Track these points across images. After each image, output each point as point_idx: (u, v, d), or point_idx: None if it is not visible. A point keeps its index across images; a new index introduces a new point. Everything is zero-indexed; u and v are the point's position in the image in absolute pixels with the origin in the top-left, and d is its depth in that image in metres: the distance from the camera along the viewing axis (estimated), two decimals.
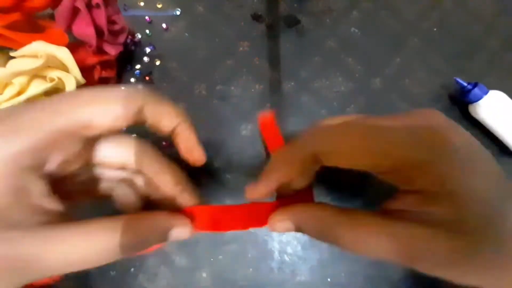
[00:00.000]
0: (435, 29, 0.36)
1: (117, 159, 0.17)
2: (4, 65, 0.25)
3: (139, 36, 0.35)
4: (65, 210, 0.14)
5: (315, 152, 0.16)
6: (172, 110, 0.17)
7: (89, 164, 0.17)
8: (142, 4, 0.36)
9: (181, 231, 0.16)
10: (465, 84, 0.32)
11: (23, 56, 0.25)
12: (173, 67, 0.34)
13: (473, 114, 0.33)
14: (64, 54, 0.25)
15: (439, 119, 0.16)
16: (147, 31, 0.35)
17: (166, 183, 0.17)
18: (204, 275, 0.30)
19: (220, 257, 0.30)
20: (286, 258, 0.30)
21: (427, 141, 0.14)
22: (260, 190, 0.17)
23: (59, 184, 0.15)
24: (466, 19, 0.37)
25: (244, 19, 0.36)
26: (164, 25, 0.35)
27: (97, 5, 0.27)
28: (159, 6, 0.36)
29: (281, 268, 0.30)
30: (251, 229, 0.30)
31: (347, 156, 0.15)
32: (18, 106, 0.15)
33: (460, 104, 0.34)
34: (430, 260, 0.13)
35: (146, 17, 0.35)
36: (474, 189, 0.14)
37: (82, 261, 0.13)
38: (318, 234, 0.16)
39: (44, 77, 0.26)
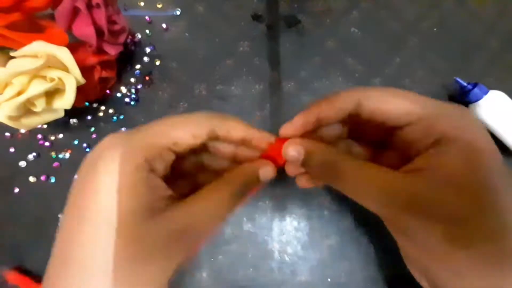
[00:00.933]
0: (435, 29, 0.36)
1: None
2: (4, 65, 0.25)
3: (139, 36, 0.35)
4: (176, 195, 0.19)
5: (361, 95, 0.19)
6: (235, 125, 0.20)
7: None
8: (142, 4, 0.36)
9: (266, 169, 0.20)
10: (465, 84, 0.32)
11: (23, 56, 0.25)
12: (173, 67, 0.34)
13: (473, 114, 0.33)
14: (64, 54, 0.25)
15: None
16: (147, 31, 0.35)
17: (239, 134, 0.21)
18: (204, 275, 0.30)
19: (220, 257, 0.30)
20: (286, 258, 0.30)
21: (456, 107, 0.18)
22: (296, 122, 0.20)
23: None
24: (466, 19, 0.37)
25: (244, 19, 0.36)
26: (164, 25, 0.35)
27: (97, 5, 0.27)
28: (159, 6, 0.36)
29: (281, 268, 0.30)
30: (251, 229, 0.31)
31: (386, 102, 0.18)
32: (138, 129, 0.20)
33: (460, 104, 0.34)
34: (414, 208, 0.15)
35: (146, 17, 0.35)
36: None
37: (213, 221, 0.18)
38: (321, 167, 0.19)
39: (44, 77, 0.26)
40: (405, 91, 0.18)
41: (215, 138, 0.20)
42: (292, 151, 0.20)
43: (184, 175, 0.23)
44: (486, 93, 0.31)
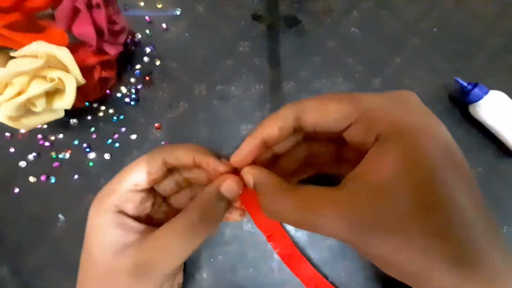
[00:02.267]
0: (435, 29, 0.36)
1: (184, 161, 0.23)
2: (4, 65, 0.25)
3: (139, 36, 0.35)
4: (148, 228, 0.22)
5: (298, 110, 0.19)
6: (183, 152, 0.22)
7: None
8: (142, 4, 0.36)
9: (227, 184, 0.21)
10: (465, 84, 0.32)
11: (23, 56, 0.25)
12: (173, 67, 0.34)
13: (473, 114, 0.33)
14: (64, 54, 0.25)
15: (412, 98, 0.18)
16: (147, 31, 0.35)
17: (188, 160, 0.22)
18: (204, 275, 0.30)
19: (220, 257, 0.30)
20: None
21: (395, 97, 0.17)
22: (243, 150, 0.20)
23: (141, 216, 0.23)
24: (466, 19, 0.37)
25: (244, 19, 0.36)
26: (164, 25, 0.35)
27: (97, 5, 0.27)
28: (159, 6, 0.36)
29: (281, 268, 0.30)
30: (251, 229, 0.31)
31: (322, 111, 0.18)
32: (112, 180, 0.23)
33: (460, 104, 0.34)
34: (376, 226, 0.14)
35: (146, 17, 0.35)
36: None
37: (175, 255, 0.20)
38: (269, 198, 0.18)
39: (44, 77, 0.26)
40: (341, 94, 0.18)
41: (170, 168, 0.23)
42: (246, 174, 0.21)
43: (174, 195, 0.26)
44: (486, 93, 0.31)
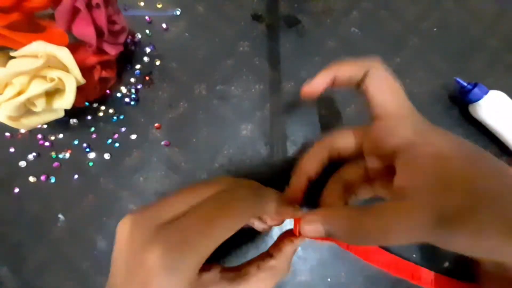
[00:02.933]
0: (435, 29, 0.36)
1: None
2: (4, 65, 0.25)
3: (139, 36, 0.35)
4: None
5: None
6: (271, 207, 0.21)
7: None
8: (142, 4, 0.36)
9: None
10: (465, 84, 0.32)
11: (23, 56, 0.25)
12: (173, 67, 0.34)
13: (473, 114, 0.33)
14: (64, 54, 0.25)
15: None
16: (147, 31, 0.35)
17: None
18: None
19: (220, 257, 0.30)
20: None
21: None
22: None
23: None
24: (466, 19, 0.37)
25: (244, 19, 0.36)
26: (164, 25, 0.35)
27: (97, 5, 0.27)
28: (159, 6, 0.36)
29: None
30: (252, 229, 0.31)
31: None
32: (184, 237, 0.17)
33: (460, 104, 0.34)
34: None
35: (146, 17, 0.35)
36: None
37: None
38: (348, 233, 0.17)
39: (44, 77, 0.26)
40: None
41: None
42: (310, 232, 0.19)
43: None
44: (486, 93, 0.31)
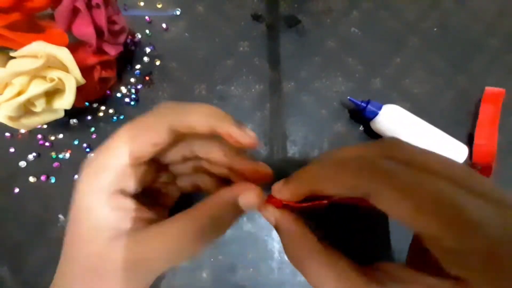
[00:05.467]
0: (435, 29, 0.36)
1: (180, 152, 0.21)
2: (4, 65, 0.25)
3: (139, 36, 0.35)
4: (155, 216, 0.19)
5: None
6: (197, 118, 0.18)
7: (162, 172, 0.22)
8: (142, 4, 0.36)
9: (248, 195, 0.18)
10: (358, 102, 0.32)
11: (23, 56, 0.25)
12: (173, 67, 0.34)
13: (374, 130, 0.32)
14: (64, 54, 0.25)
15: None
16: (147, 31, 0.35)
17: (217, 157, 0.20)
18: (204, 275, 0.30)
19: (220, 257, 0.30)
20: (286, 258, 0.30)
21: None
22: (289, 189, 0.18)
23: (146, 198, 0.20)
24: (466, 19, 0.37)
25: (244, 19, 0.36)
26: (164, 25, 0.35)
27: (97, 5, 0.27)
28: (159, 6, 0.36)
29: (281, 268, 0.30)
30: (252, 229, 0.31)
31: (332, 187, 0.16)
32: (101, 147, 0.18)
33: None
34: None
35: (146, 17, 0.35)
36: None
37: (172, 258, 0.17)
38: (290, 248, 0.17)
39: (44, 77, 0.26)
40: (341, 164, 0.16)
41: (181, 137, 0.19)
42: (266, 214, 0.18)
43: (182, 173, 0.22)
44: (380, 108, 0.31)
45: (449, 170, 0.14)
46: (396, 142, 0.16)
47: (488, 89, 0.33)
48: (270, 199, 0.18)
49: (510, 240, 0.12)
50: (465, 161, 0.31)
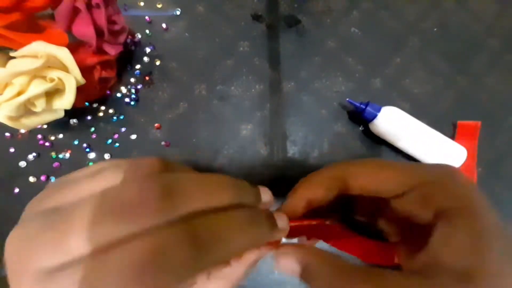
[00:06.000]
0: (435, 29, 0.36)
1: None
2: (4, 65, 0.25)
3: (139, 36, 0.35)
4: None
5: (345, 174, 0.17)
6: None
7: None
8: (142, 4, 0.36)
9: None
10: (357, 104, 0.32)
11: (23, 56, 0.25)
12: (173, 67, 0.34)
13: (373, 131, 0.32)
14: (64, 54, 0.25)
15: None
16: (147, 31, 0.35)
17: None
18: None
19: None
20: None
21: (449, 172, 0.16)
22: (290, 209, 0.18)
23: None
24: (466, 19, 0.37)
25: (244, 19, 0.36)
26: (164, 25, 0.35)
27: (97, 5, 0.27)
28: (159, 6, 0.36)
29: None
30: None
31: (374, 177, 0.17)
32: None
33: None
34: None
35: (146, 17, 0.35)
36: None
37: None
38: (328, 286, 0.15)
39: (44, 77, 0.26)
40: (390, 162, 0.18)
41: None
42: (284, 264, 0.16)
43: None
44: (379, 110, 0.31)
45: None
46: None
47: (461, 123, 0.33)
48: (267, 244, 0.17)
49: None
50: None
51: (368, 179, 0.17)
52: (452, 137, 0.33)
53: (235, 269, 0.17)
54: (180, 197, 0.12)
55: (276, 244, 0.17)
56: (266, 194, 0.16)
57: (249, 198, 0.15)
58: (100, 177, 0.12)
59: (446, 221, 0.15)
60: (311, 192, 0.18)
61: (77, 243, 0.10)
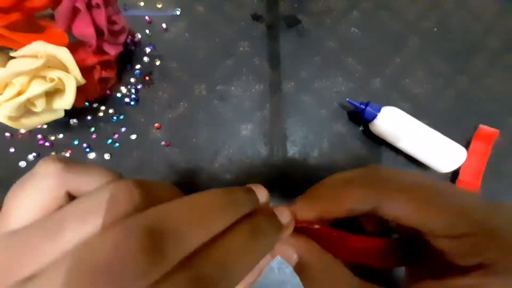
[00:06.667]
0: (435, 29, 0.36)
1: None
2: (4, 65, 0.25)
3: (139, 36, 0.35)
4: None
5: (379, 197, 0.14)
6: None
7: None
8: (142, 4, 0.36)
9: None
10: (357, 104, 0.32)
11: (23, 56, 0.25)
12: (173, 67, 0.34)
13: (374, 131, 0.32)
14: (64, 54, 0.25)
15: None
16: (147, 31, 0.35)
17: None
18: None
19: None
20: None
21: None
22: (301, 214, 0.16)
23: None
24: (466, 19, 0.37)
25: (244, 19, 0.36)
26: (164, 25, 0.35)
27: (97, 5, 0.27)
28: (159, 6, 0.36)
29: (281, 268, 0.30)
30: None
31: (419, 213, 0.14)
32: None
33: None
34: None
35: (146, 17, 0.35)
36: None
37: None
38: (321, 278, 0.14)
39: (44, 77, 0.26)
40: (438, 191, 0.14)
41: None
42: (281, 251, 0.16)
43: None
44: (379, 110, 0.31)
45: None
46: (377, 167, 0.16)
47: (482, 127, 0.33)
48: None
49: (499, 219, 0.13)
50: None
51: (409, 212, 0.14)
52: (469, 138, 0.33)
53: (249, 276, 0.16)
54: (171, 240, 0.10)
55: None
56: (261, 194, 0.15)
57: (246, 208, 0.13)
58: (77, 221, 0.10)
59: (492, 273, 0.13)
60: (328, 207, 0.16)
61: None
